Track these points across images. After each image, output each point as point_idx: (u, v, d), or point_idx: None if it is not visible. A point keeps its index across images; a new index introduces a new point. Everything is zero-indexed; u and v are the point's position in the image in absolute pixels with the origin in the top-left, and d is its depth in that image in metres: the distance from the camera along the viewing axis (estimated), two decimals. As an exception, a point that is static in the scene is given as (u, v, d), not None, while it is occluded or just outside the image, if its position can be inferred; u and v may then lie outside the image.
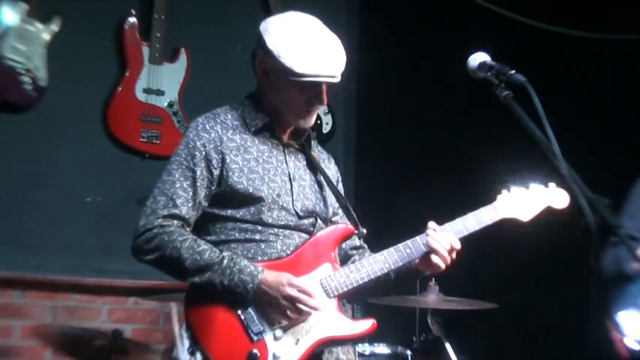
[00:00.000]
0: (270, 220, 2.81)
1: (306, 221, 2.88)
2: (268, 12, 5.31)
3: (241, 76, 5.14)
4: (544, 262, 5.32)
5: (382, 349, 4.14)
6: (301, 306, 2.72)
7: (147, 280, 4.65)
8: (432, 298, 4.31)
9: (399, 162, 5.80)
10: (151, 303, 4.81)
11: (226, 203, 2.81)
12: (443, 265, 2.84)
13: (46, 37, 4.61)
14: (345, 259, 2.99)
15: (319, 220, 2.92)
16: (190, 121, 2.94)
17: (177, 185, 2.77)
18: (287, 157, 2.92)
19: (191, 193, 2.78)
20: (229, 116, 2.90)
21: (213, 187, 2.80)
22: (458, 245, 2.84)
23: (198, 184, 2.78)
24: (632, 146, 5.09)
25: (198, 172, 2.78)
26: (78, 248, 4.77)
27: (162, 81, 4.99)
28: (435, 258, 2.83)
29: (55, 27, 4.63)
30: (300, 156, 2.98)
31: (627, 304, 3.55)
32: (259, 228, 2.81)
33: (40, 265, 4.68)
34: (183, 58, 5.08)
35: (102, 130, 4.89)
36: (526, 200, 2.95)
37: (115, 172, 4.90)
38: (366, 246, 3.04)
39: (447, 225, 2.87)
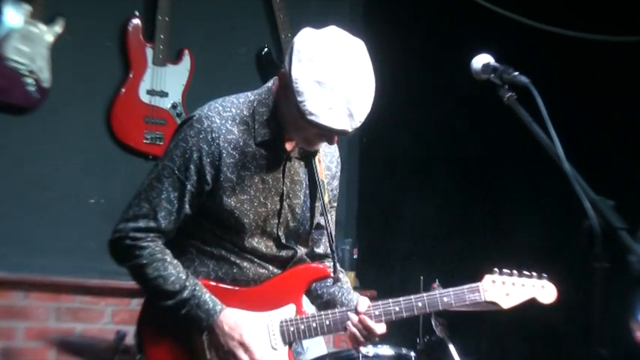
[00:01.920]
0: (249, 247, 2.77)
1: (284, 253, 2.84)
2: (271, 13, 5.33)
3: (245, 78, 5.21)
4: (548, 263, 5.29)
5: (386, 350, 4.11)
6: None
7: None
8: (436, 299, 4.29)
9: (403, 164, 5.80)
10: (154, 304, 4.80)
11: (211, 217, 2.76)
12: (361, 349, 2.91)
13: (50, 38, 4.61)
14: (316, 296, 2.96)
15: (299, 251, 2.88)
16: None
17: (164, 196, 2.71)
18: (285, 172, 2.80)
19: (177, 206, 2.72)
20: (238, 119, 2.72)
21: (201, 199, 2.74)
22: (384, 331, 2.86)
23: (187, 198, 2.71)
24: (634, 148, 5.08)
25: (189, 187, 2.70)
26: (81, 250, 4.76)
27: (165, 82, 4.99)
28: (356, 340, 2.84)
29: (58, 28, 4.64)
30: (302, 164, 2.86)
31: None
32: (236, 250, 2.78)
33: (44, 267, 4.68)
34: (186, 60, 5.08)
35: (105, 131, 4.90)
36: (512, 288, 2.94)
37: (119, 174, 4.90)
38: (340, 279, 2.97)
39: (380, 305, 2.83)
